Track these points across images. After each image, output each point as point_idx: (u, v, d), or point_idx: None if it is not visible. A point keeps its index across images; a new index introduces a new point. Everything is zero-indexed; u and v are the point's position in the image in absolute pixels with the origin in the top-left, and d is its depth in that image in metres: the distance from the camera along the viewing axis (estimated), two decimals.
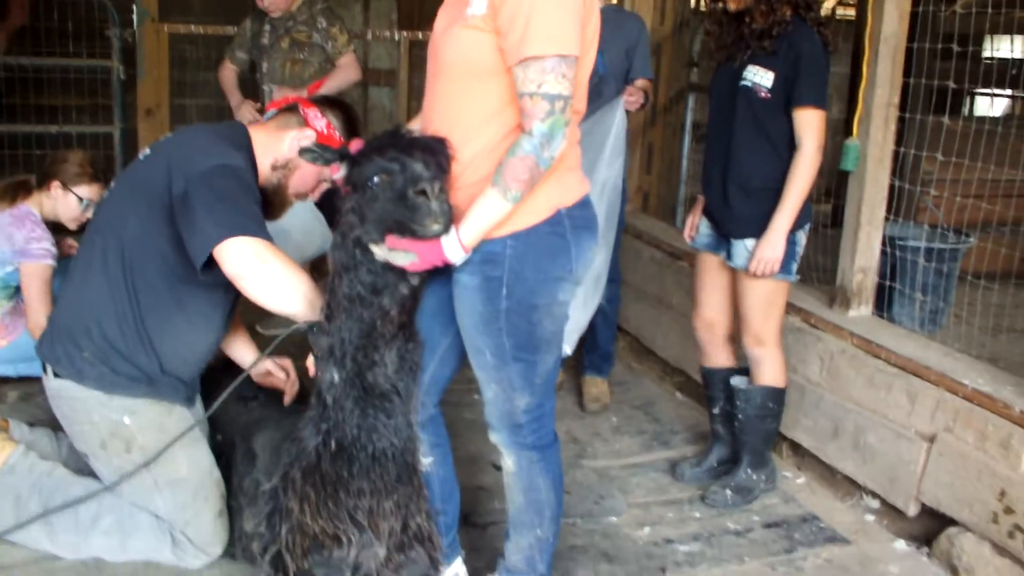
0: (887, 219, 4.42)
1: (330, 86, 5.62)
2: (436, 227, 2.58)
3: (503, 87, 2.67)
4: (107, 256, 3.28)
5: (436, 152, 2.65)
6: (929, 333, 4.66)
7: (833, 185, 7.00)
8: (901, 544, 3.85)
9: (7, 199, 4.42)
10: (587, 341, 5.15)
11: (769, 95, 3.78)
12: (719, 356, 4.27)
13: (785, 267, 3.87)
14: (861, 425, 4.07)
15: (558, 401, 4.87)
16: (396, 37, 6.64)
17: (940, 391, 3.82)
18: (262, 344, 3.59)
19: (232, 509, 3.51)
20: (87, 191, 4.39)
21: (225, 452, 3.60)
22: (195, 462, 3.44)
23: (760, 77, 3.79)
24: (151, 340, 3.31)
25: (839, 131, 7.59)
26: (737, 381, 4.15)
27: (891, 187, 4.37)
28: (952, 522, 3.70)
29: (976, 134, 4.63)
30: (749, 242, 3.88)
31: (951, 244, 4.98)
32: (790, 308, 4.58)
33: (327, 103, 3.56)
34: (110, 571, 3.39)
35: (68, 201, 4.40)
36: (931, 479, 3.75)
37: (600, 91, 4.56)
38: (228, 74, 5.93)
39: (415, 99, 6.95)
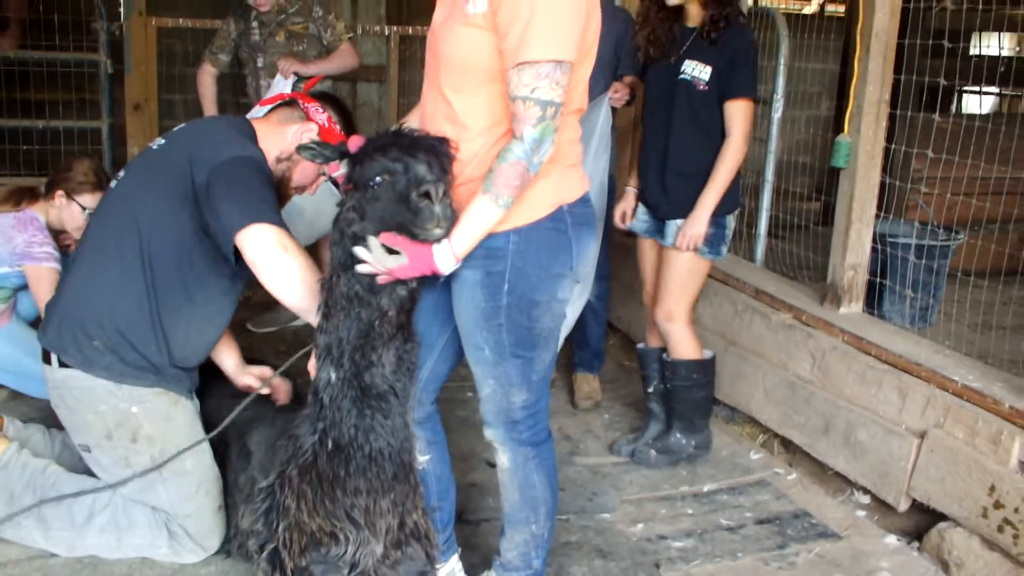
0: (878, 216, 4.45)
1: (327, 66, 5.64)
2: (438, 231, 2.57)
3: (503, 85, 2.66)
4: (122, 244, 3.29)
5: (439, 153, 2.65)
6: (919, 330, 4.68)
7: (823, 183, 7.02)
8: (892, 539, 3.87)
9: (12, 202, 4.41)
10: (578, 338, 5.16)
11: (707, 87, 4.02)
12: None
13: (714, 248, 4.16)
14: (852, 422, 4.10)
15: (550, 399, 4.91)
16: (385, 32, 6.61)
17: (931, 387, 3.85)
18: (251, 341, 3.60)
19: (228, 506, 3.51)
20: (91, 200, 4.37)
21: (220, 449, 3.60)
22: (199, 457, 3.45)
23: (699, 71, 4.03)
24: (164, 329, 3.33)
25: (828, 128, 7.63)
26: (667, 355, 4.41)
27: (881, 184, 4.39)
28: (942, 517, 3.72)
29: (966, 131, 4.63)
30: (681, 222, 4.13)
31: (941, 241, 4.99)
32: (781, 305, 4.64)
33: (323, 98, 3.64)
34: (105, 569, 3.39)
35: (72, 210, 4.39)
36: (922, 475, 3.78)
37: (589, 87, 4.56)
38: (206, 79, 5.85)
39: (404, 95, 6.93)
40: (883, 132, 4.32)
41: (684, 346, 4.30)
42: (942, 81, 4.15)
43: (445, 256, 2.61)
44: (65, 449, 3.71)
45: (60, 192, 4.40)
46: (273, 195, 3.26)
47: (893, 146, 4.45)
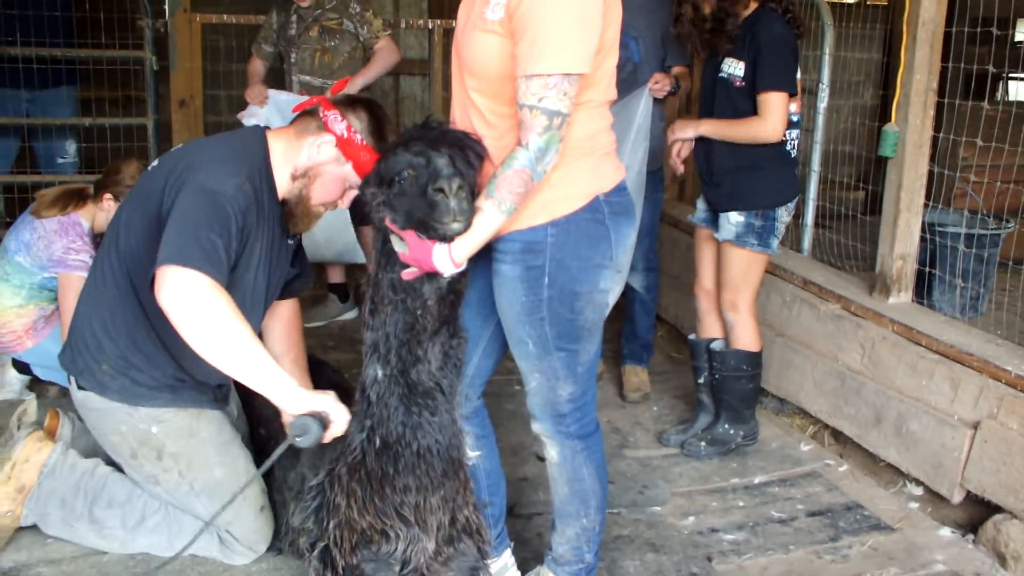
0: (926, 205, 4.42)
1: (370, 73, 5.62)
2: (456, 225, 2.56)
3: None
4: (113, 268, 3.26)
5: (465, 147, 2.66)
6: (970, 319, 4.64)
7: (868, 172, 6.97)
8: (946, 531, 3.84)
9: (59, 206, 4.46)
10: (627, 330, 5.17)
11: (743, 83, 4.06)
12: (713, 326, 4.52)
13: (763, 240, 4.18)
14: (903, 413, 4.07)
15: (599, 391, 4.89)
16: (428, 25, 6.60)
17: (983, 378, 3.81)
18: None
19: (276, 504, 3.53)
20: None
21: (269, 447, 3.61)
22: (229, 463, 3.43)
23: (735, 68, 4.08)
24: (168, 348, 3.25)
25: (874, 117, 7.57)
26: (715, 344, 4.49)
27: (929, 173, 4.36)
28: (998, 509, 3.69)
29: (1015, 119, 4.58)
30: (732, 215, 4.19)
31: (991, 229, 4.94)
32: (829, 295, 4.62)
33: (352, 103, 3.31)
34: (157, 565, 3.41)
35: None
36: (975, 466, 3.75)
37: (635, 79, 4.58)
38: (255, 67, 5.91)
39: (447, 89, 6.91)
40: (931, 121, 4.29)
41: (746, 337, 4.32)
42: (990, 68, 4.11)
43: (443, 257, 2.60)
44: None
45: (108, 196, 4.45)
46: (217, 235, 2.93)
47: (941, 134, 4.41)
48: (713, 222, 4.34)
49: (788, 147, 4.15)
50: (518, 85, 2.59)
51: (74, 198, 4.50)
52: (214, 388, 3.44)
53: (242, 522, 3.43)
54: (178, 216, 2.93)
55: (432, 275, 2.68)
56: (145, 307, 3.20)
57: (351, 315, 6.07)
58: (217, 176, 3.04)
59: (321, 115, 3.23)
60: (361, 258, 5.57)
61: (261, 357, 2.87)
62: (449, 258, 2.60)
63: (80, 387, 3.34)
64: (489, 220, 2.60)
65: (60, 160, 6.23)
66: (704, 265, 4.48)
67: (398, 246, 2.65)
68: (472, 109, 2.77)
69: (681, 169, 4.38)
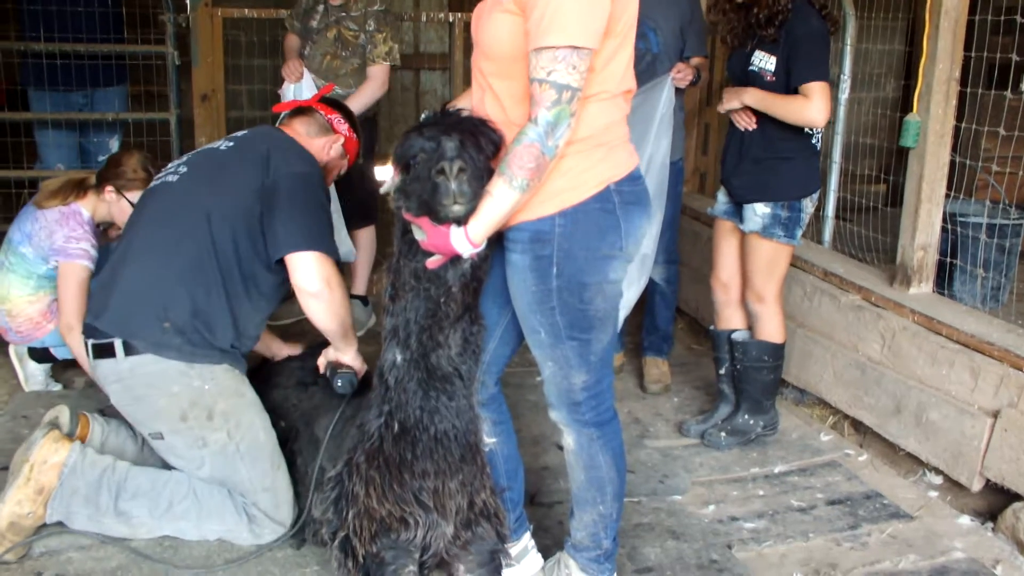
0: (947, 196, 4.41)
1: (357, 103, 5.34)
2: (456, 207, 2.57)
3: None
4: (194, 235, 3.41)
5: (478, 133, 2.67)
6: (991, 310, 4.63)
7: (889, 164, 6.95)
8: (965, 520, 3.84)
9: (60, 196, 4.50)
10: (647, 322, 5.18)
11: (774, 78, 4.05)
12: (732, 318, 4.51)
13: (789, 231, 4.17)
14: (923, 402, 4.07)
15: (619, 383, 4.92)
16: (449, 19, 6.62)
17: (1004, 367, 3.81)
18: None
19: (298, 495, 3.56)
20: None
21: (288, 438, 3.65)
22: (269, 428, 3.55)
23: (765, 62, 4.08)
24: (234, 315, 3.46)
25: (895, 109, 7.54)
26: (737, 335, 4.49)
27: (951, 163, 4.35)
28: (1017, 497, 3.69)
29: None
30: (758, 206, 4.19)
31: (1013, 220, 4.93)
32: (850, 286, 4.62)
33: (337, 106, 3.99)
34: (185, 551, 3.45)
35: (121, 206, 4.45)
36: (995, 454, 3.75)
37: (655, 69, 4.59)
38: (291, 42, 5.80)
39: (469, 83, 6.92)
40: (953, 111, 4.28)
41: (772, 328, 4.33)
42: (1014, 57, 4.09)
43: (460, 239, 2.62)
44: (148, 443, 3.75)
45: (110, 188, 4.48)
46: (329, 219, 3.53)
47: (963, 124, 4.40)
48: (735, 214, 4.34)
49: (814, 140, 4.14)
50: (530, 60, 2.59)
51: (75, 188, 4.54)
52: (244, 360, 3.63)
53: (277, 491, 3.50)
54: (297, 201, 3.44)
55: (455, 261, 2.71)
56: (224, 272, 3.43)
57: None
58: (311, 163, 3.64)
59: (325, 118, 3.87)
60: (353, 257, 5.53)
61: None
62: (466, 238, 2.61)
63: (128, 354, 3.39)
64: (502, 196, 2.60)
65: (101, 158, 6.28)
66: (723, 257, 4.48)
67: (418, 235, 2.67)
68: (490, 95, 2.79)
69: (753, 125, 4.23)
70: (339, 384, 3.53)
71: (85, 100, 6.20)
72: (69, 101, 6.16)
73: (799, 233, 4.21)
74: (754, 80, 4.12)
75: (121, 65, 6.28)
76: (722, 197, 4.42)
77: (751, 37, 4.15)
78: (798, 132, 4.08)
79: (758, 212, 4.17)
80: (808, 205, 4.19)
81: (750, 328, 4.45)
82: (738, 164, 4.25)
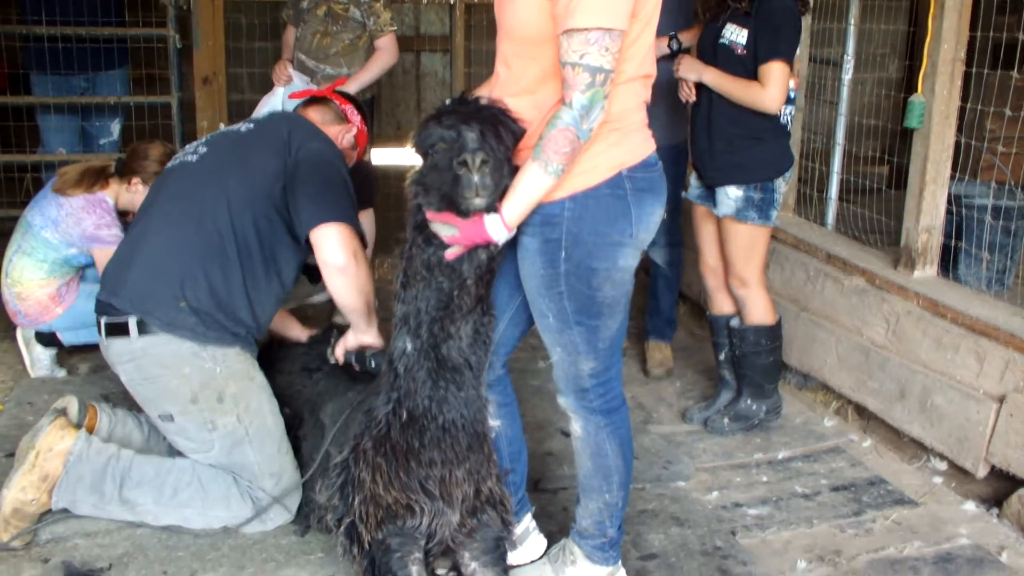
0: (952, 177, 4.38)
1: (366, 76, 5.47)
2: (478, 200, 2.57)
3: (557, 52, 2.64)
4: (214, 215, 3.42)
5: (498, 123, 2.65)
6: (996, 293, 4.60)
7: (892, 146, 6.91)
8: (970, 506, 3.83)
9: (84, 185, 4.54)
10: (649, 306, 5.17)
11: (745, 51, 4.02)
12: (724, 302, 4.50)
13: (763, 213, 4.18)
14: (928, 387, 4.05)
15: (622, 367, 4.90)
16: (451, 1, 6.59)
17: (1009, 351, 3.79)
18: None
19: (304, 486, 3.56)
20: None
21: (294, 424, 3.65)
22: (277, 413, 3.56)
23: (736, 35, 4.05)
24: (250, 297, 3.46)
25: (899, 90, 7.50)
26: (734, 322, 4.47)
27: (956, 144, 4.32)
28: (1023, 483, 3.68)
29: None
30: (730, 189, 4.17)
31: (1018, 202, 4.89)
32: (853, 269, 4.59)
33: (347, 96, 4.06)
34: (189, 539, 3.45)
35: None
36: (1001, 440, 3.73)
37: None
38: (289, 36, 5.77)
39: (470, 65, 6.91)
40: (958, 91, 4.24)
41: (759, 311, 4.31)
42: (1020, 37, 4.06)
43: (496, 225, 2.62)
44: (154, 432, 3.75)
45: (137, 180, 4.55)
46: (352, 194, 3.54)
47: (968, 105, 4.37)
48: (708, 198, 4.33)
49: (783, 120, 4.15)
50: (560, 43, 2.57)
51: (99, 177, 4.57)
52: (257, 342, 3.64)
53: (284, 475, 3.51)
54: (320, 177, 3.47)
55: (472, 253, 2.70)
56: (242, 253, 3.45)
57: (323, 297, 5.87)
58: (331, 143, 3.70)
59: (340, 107, 3.94)
60: None
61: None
62: (502, 223, 2.62)
63: (142, 333, 3.39)
64: (536, 181, 2.60)
65: (102, 141, 6.28)
66: (705, 243, 4.48)
67: (444, 230, 2.65)
68: (515, 79, 2.76)
69: (693, 98, 4.27)
70: (373, 365, 3.53)
71: (87, 84, 6.21)
72: (71, 85, 6.17)
73: (774, 214, 4.20)
74: (723, 54, 4.08)
75: (122, 48, 6.28)
76: (694, 181, 4.41)
77: (724, 9, 4.12)
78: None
79: (731, 195, 4.16)
80: (781, 185, 4.19)
81: (739, 313, 4.44)
82: (709, 146, 4.21)
